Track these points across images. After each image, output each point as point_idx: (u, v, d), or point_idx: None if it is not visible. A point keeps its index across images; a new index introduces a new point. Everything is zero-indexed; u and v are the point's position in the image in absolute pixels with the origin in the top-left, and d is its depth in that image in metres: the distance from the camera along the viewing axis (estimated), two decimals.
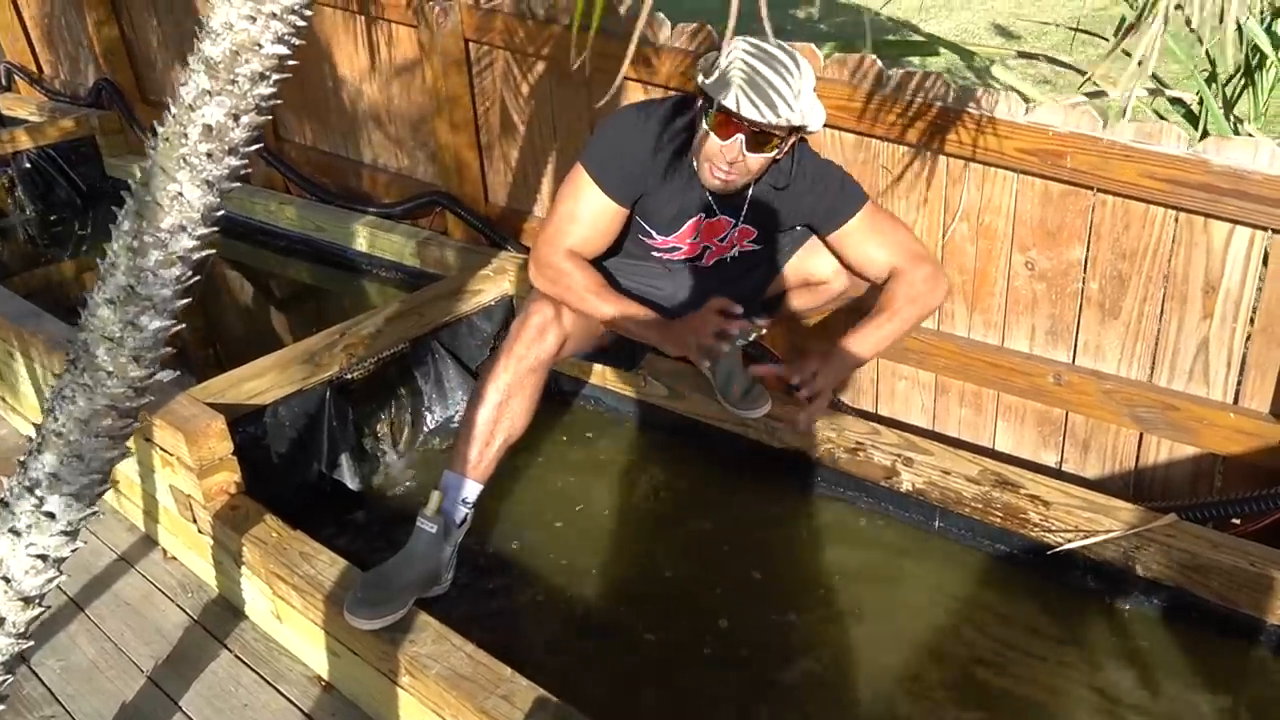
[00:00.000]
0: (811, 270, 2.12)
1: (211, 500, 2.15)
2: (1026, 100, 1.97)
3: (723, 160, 1.80)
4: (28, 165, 4.54)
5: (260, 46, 1.22)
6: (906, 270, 1.94)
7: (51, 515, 1.32)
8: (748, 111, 1.71)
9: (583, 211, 1.93)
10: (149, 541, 2.50)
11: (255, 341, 3.08)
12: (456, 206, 3.15)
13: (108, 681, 2.07)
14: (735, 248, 2.08)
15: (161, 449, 2.20)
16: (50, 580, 1.37)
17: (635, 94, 2.62)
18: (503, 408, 1.96)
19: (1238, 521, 1.93)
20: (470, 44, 2.93)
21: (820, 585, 2.09)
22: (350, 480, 2.48)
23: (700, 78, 1.79)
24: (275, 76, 1.27)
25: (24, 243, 4.45)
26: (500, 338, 2.81)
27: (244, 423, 2.29)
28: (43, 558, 1.34)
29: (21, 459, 1.33)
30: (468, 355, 2.77)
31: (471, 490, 1.98)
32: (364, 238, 3.36)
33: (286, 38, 1.24)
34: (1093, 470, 2.18)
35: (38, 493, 1.31)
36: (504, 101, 2.99)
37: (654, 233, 2.01)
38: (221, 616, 2.23)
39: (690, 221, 1.98)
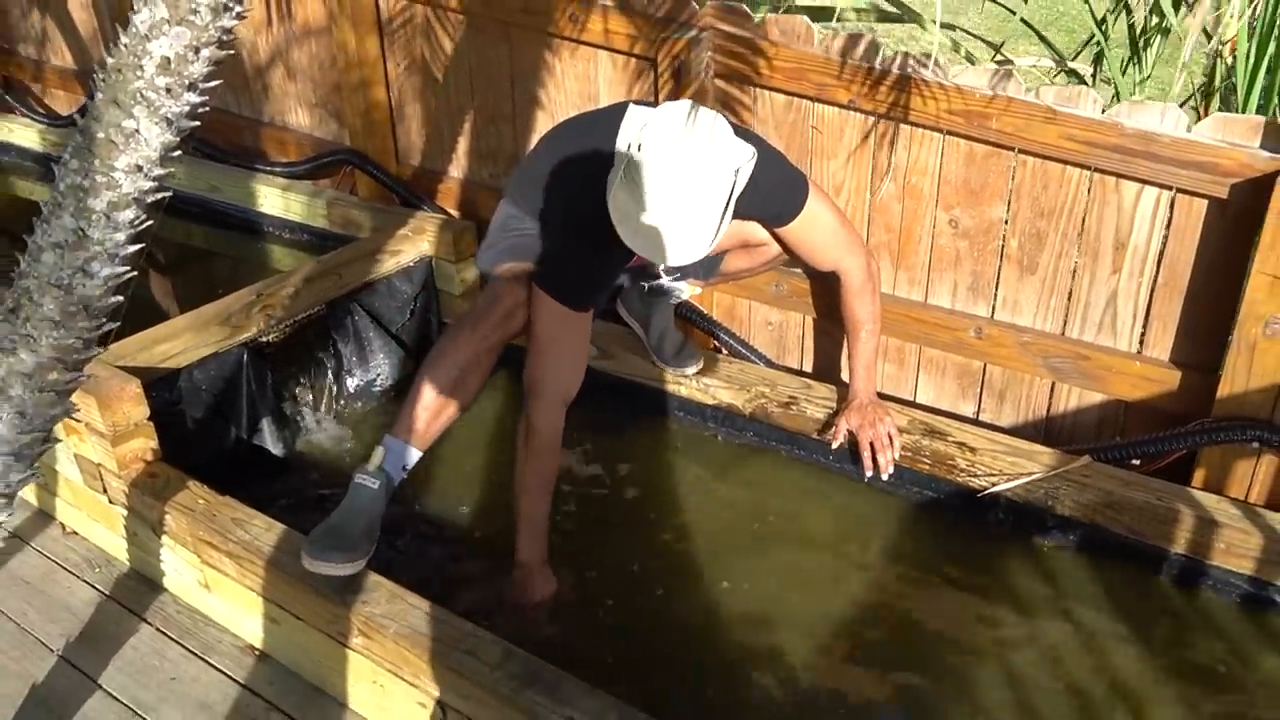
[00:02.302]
0: (750, 233, 2.16)
1: (126, 469, 2.04)
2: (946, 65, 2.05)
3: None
4: None
5: None
6: (844, 266, 2.08)
7: None
8: (651, 258, 1.74)
9: (573, 334, 1.93)
10: (44, 516, 2.35)
11: (157, 309, 2.91)
12: (367, 165, 3.04)
13: (12, 662, 1.94)
14: None
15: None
16: None
17: (563, 52, 2.59)
18: (457, 384, 1.94)
19: (1137, 463, 2.09)
20: None
21: (751, 535, 2.15)
22: (272, 445, 2.39)
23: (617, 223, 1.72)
24: (238, 8, 1.19)
25: None
26: (420, 300, 2.75)
27: (158, 387, 2.17)
28: None
29: None
30: (388, 317, 2.69)
31: (412, 457, 1.95)
32: (266, 198, 3.21)
33: None
34: (1007, 419, 2.31)
35: None
36: (418, 57, 2.90)
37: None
38: (137, 591, 2.12)
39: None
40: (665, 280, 2.30)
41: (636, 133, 1.67)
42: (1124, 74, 2.65)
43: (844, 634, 1.92)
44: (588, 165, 1.80)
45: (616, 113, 1.85)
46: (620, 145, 1.72)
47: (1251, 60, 2.21)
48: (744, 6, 2.24)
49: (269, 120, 3.44)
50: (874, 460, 2.11)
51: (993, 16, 3.03)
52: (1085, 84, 2.79)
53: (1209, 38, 2.59)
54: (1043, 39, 2.75)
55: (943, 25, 2.81)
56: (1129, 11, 2.69)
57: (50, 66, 4.13)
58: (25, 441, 1.25)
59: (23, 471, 1.26)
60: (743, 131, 1.89)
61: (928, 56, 2.05)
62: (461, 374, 1.92)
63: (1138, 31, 2.69)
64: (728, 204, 1.68)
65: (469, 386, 1.94)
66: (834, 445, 2.16)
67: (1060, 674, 1.80)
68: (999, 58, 2.71)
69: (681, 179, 1.63)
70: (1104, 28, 2.72)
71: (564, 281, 1.88)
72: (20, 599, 2.10)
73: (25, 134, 4.06)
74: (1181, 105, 2.12)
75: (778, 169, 1.96)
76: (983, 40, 2.88)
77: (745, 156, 1.72)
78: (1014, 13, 2.60)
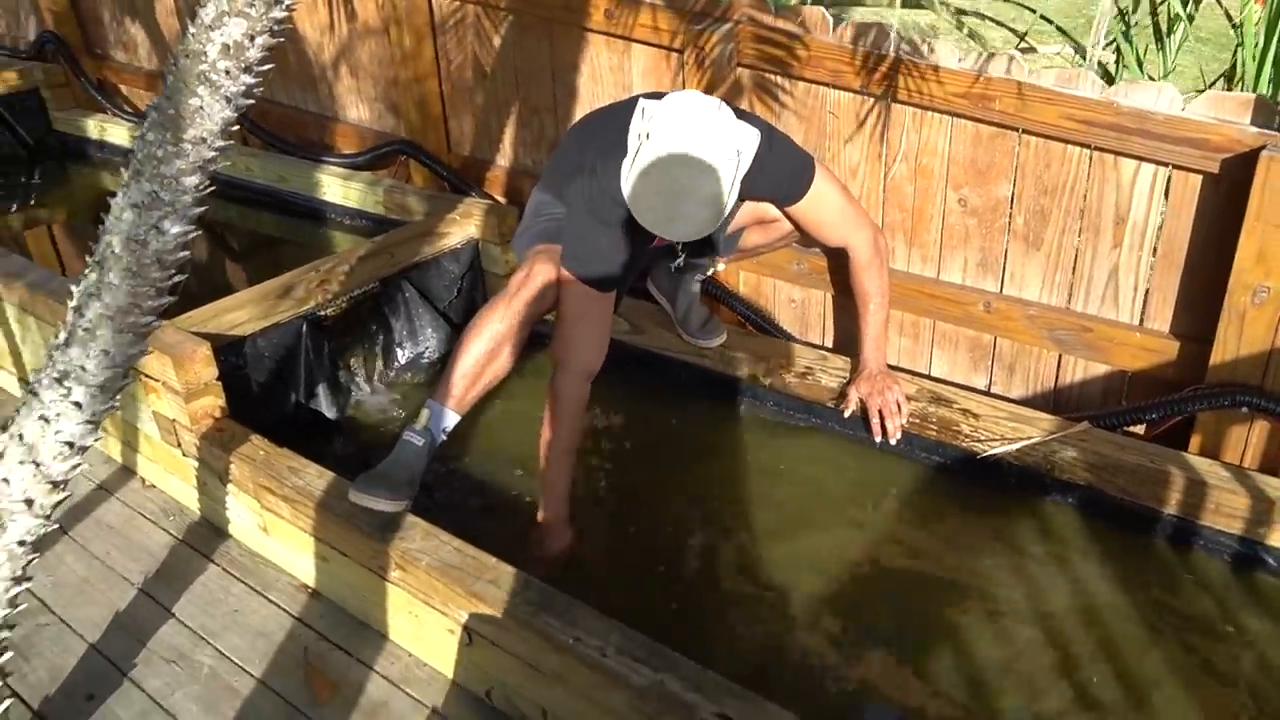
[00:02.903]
0: (765, 210, 2.29)
1: (197, 423, 2.25)
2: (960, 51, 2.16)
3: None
4: None
5: None
6: (852, 242, 2.20)
7: (78, 405, 1.43)
8: (664, 234, 1.88)
9: (595, 312, 2.08)
10: (127, 471, 2.59)
11: (229, 288, 3.15)
12: (421, 155, 3.25)
13: (99, 593, 2.17)
14: None
15: (147, 375, 2.29)
16: (74, 467, 1.48)
17: (600, 47, 2.76)
18: (493, 354, 2.10)
19: (1141, 430, 2.17)
20: None
21: (771, 499, 2.28)
22: (327, 409, 2.60)
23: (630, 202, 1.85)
24: (287, 0, 1.38)
25: None
26: (467, 280, 2.94)
27: (226, 352, 2.39)
28: (69, 444, 1.45)
29: (50, 352, 1.44)
30: (436, 295, 2.89)
31: (451, 420, 2.12)
32: (329, 187, 3.45)
33: None
34: (1018, 391, 2.40)
35: (66, 384, 1.42)
36: (468, 54, 3.10)
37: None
38: (205, 536, 2.34)
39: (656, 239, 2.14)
40: (688, 258, 2.45)
41: (644, 124, 1.82)
42: (1141, 63, 2.71)
43: (856, 589, 2.03)
44: (607, 155, 1.95)
45: (630, 106, 2.00)
46: (631, 136, 1.87)
47: (1259, 44, 2.26)
48: (766, 1, 2.38)
49: (333, 115, 3.68)
50: (883, 427, 2.23)
51: (1020, 5, 3.11)
52: (1109, 73, 2.86)
53: (1235, 27, 2.64)
54: (1060, 30, 2.83)
55: (965, 12, 2.91)
56: (1153, 1, 2.75)
57: (138, 69, 4.46)
58: (109, 376, 1.45)
59: (105, 402, 1.47)
60: (749, 117, 2.04)
61: (933, 43, 2.16)
62: (497, 345, 2.09)
63: (1160, 20, 2.75)
64: (732, 182, 1.82)
65: (503, 357, 2.11)
66: (846, 413, 2.28)
67: (1051, 625, 1.90)
68: (1022, 45, 2.79)
69: (685, 160, 1.78)
70: (1127, 17, 2.79)
71: (588, 264, 2.04)
72: (106, 541, 2.34)
73: (116, 131, 4.40)
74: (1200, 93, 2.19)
75: (785, 151, 2.09)
76: (1007, 28, 2.96)
77: (748, 139, 1.86)
78: (1034, 11, 2.69)
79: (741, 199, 2.08)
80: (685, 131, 1.78)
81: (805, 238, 2.30)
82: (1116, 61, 2.77)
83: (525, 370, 2.72)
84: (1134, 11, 2.74)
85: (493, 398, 2.25)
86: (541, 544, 2.12)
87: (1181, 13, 2.64)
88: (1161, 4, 2.70)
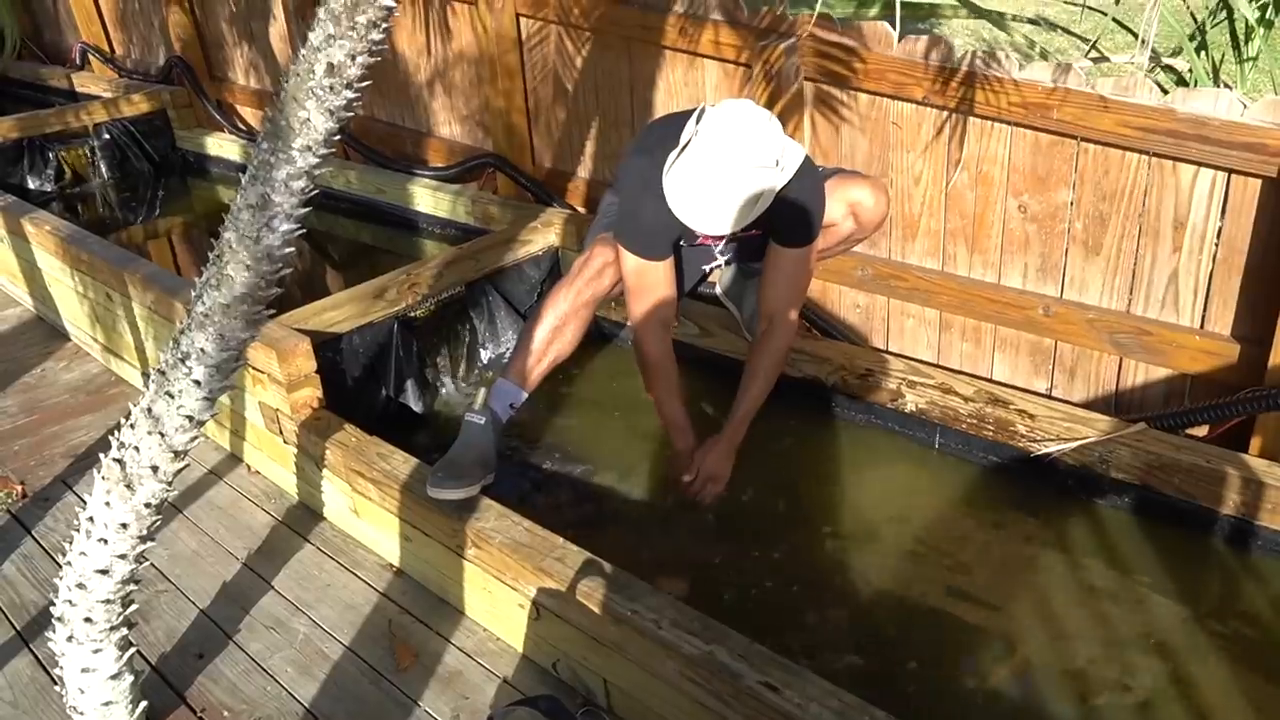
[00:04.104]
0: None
1: (297, 412, 2.46)
2: (1021, 61, 2.23)
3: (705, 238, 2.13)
4: (106, 137, 4.89)
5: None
6: (781, 317, 2.23)
7: (198, 383, 1.62)
8: (708, 229, 1.99)
9: (651, 280, 2.18)
10: (234, 459, 2.83)
11: (328, 290, 3.39)
12: (507, 167, 3.44)
13: (209, 566, 2.39)
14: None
15: (253, 368, 2.51)
16: (194, 438, 1.67)
17: (676, 63, 2.90)
18: (557, 331, 2.26)
19: (1203, 433, 2.18)
20: (522, 19, 3.23)
21: (833, 498, 2.36)
22: (414, 404, 2.79)
23: (665, 182, 1.99)
24: (384, 25, 1.55)
25: (103, 207, 4.81)
26: (547, 285, 3.10)
27: (324, 348, 2.59)
28: (189, 418, 1.64)
29: (174, 337, 1.64)
30: (517, 299, 3.06)
31: (519, 396, 2.28)
32: (421, 198, 3.67)
33: None
34: (1079, 394, 2.43)
35: (188, 363, 1.61)
36: (551, 71, 3.28)
37: (683, 242, 2.30)
38: (303, 518, 2.55)
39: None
40: (750, 263, 2.55)
41: (701, 121, 1.95)
42: (1216, 73, 2.70)
43: (915, 585, 2.09)
44: (665, 141, 2.08)
45: (691, 111, 2.11)
46: (686, 129, 2.00)
47: None
48: (831, 15, 2.48)
49: (426, 130, 3.91)
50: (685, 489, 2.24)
51: (1091, 14, 3.12)
52: (1184, 81, 2.86)
53: None
54: (1134, 35, 2.85)
55: (1033, 21, 2.95)
56: (1229, 8, 2.74)
57: (254, 90, 4.80)
58: (224, 357, 1.64)
59: (220, 381, 1.66)
60: (814, 165, 2.12)
61: (993, 54, 2.22)
62: (560, 323, 2.24)
63: (1239, 27, 2.74)
64: (764, 189, 1.92)
65: (566, 334, 2.26)
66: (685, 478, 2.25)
67: (1103, 621, 1.93)
68: (1093, 54, 2.81)
69: (724, 155, 1.90)
70: (1203, 24, 2.78)
71: (636, 235, 2.15)
72: (215, 520, 2.57)
73: (231, 147, 4.74)
74: None
75: (816, 198, 2.12)
76: (1077, 36, 2.99)
77: (792, 154, 1.97)
78: (1104, 13, 2.70)
79: (766, 215, 2.06)
80: (732, 130, 1.91)
81: (862, 221, 2.26)
82: (1189, 71, 2.77)
83: (595, 368, 2.88)
84: (1212, 20, 2.74)
85: (568, 392, 2.38)
86: (682, 468, 2.26)
87: (1252, 21, 2.63)
88: (1237, 17, 2.69)
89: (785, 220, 2.12)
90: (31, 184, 4.77)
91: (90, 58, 5.61)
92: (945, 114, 2.37)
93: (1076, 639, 1.90)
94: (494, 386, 2.26)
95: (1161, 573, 2.02)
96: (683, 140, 1.98)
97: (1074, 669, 1.84)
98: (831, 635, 1.97)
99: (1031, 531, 2.17)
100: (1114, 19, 2.52)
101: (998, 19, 2.66)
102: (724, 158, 1.91)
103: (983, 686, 1.82)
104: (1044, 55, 2.74)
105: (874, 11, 2.90)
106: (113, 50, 5.64)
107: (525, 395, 2.27)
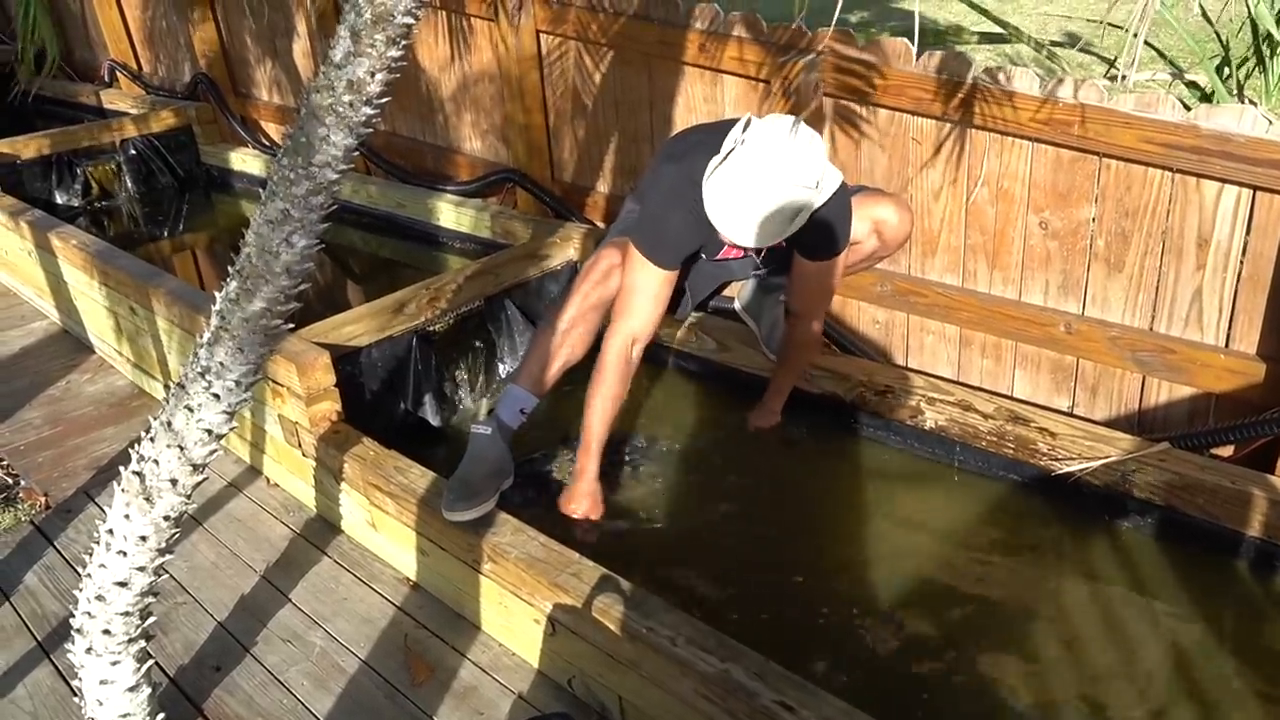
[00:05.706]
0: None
1: (316, 425, 2.47)
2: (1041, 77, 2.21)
3: (737, 251, 2.15)
4: (133, 152, 4.96)
5: (393, 17, 1.52)
6: (808, 317, 2.34)
7: (217, 397, 1.64)
8: (742, 241, 1.98)
9: (646, 283, 2.18)
10: (254, 471, 2.85)
11: (348, 304, 3.42)
12: (527, 182, 3.46)
13: (227, 578, 2.40)
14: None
15: (273, 381, 2.53)
16: (212, 452, 1.68)
17: (694, 79, 2.91)
18: (566, 335, 2.26)
19: (1228, 453, 2.15)
20: (542, 35, 3.25)
21: (851, 514, 2.34)
22: (432, 418, 2.80)
23: (705, 188, 1.98)
24: (404, 41, 1.57)
25: (129, 222, 4.87)
26: None
27: (343, 361, 2.60)
28: (209, 431, 1.65)
29: (194, 351, 1.65)
30: (536, 314, 3.06)
31: (529, 401, 2.28)
32: (442, 213, 3.69)
33: (413, 10, 1.54)
34: (1101, 412, 2.41)
35: (208, 378, 1.63)
36: (571, 87, 3.29)
37: (704, 255, 2.32)
38: (321, 531, 2.56)
39: (726, 247, 2.25)
40: (770, 275, 2.55)
41: (746, 132, 1.95)
42: (1241, 90, 2.68)
43: (932, 603, 2.06)
44: (699, 149, 2.06)
45: (730, 122, 2.10)
46: (729, 138, 1.98)
47: None
48: (851, 31, 2.48)
49: (446, 145, 3.94)
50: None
51: (1115, 33, 3.10)
52: (1207, 98, 2.83)
53: None
54: (1161, 55, 2.83)
55: (1058, 44, 2.94)
56: (1254, 25, 2.72)
57: (277, 106, 4.86)
58: (244, 371, 1.65)
59: (240, 395, 1.67)
60: (847, 187, 2.13)
61: (1013, 71, 2.21)
62: (569, 327, 2.24)
63: (1263, 42, 2.71)
64: (801, 207, 1.92)
65: (575, 338, 2.25)
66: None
67: (1127, 644, 1.90)
68: (1113, 72, 2.80)
69: (770, 168, 1.89)
70: (1226, 40, 2.76)
71: (652, 239, 2.14)
72: (234, 533, 2.58)
73: (254, 163, 4.80)
74: None
75: (845, 215, 2.13)
76: (1099, 56, 2.97)
77: (831, 176, 1.96)
78: (1123, 28, 2.68)
79: (796, 232, 2.07)
80: (781, 144, 1.90)
81: (886, 239, 2.28)
82: (1213, 90, 2.74)
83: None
84: (1236, 36, 2.71)
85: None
86: (570, 496, 2.25)
87: (1278, 37, 2.60)
88: (1261, 33, 2.67)
89: (814, 238, 2.12)
90: (59, 199, 4.85)
91: (119, 75, 5.70)
92: (965, 130, 2.36)
93: (1098, 663, 1.88)
94: (503, 394, 2.27)
95: (1185, 596, 1.99)
96: (725, 148, 1.97)
97: (1094, 695, 1.81)
98: (846, 654, 1.95)
99: (1051, 551, 2.14)
100: (1138, 36, 2.49)
101: (1017, 34, 2.65)
102: (770, 171, 1.90)
103: (1000, 707, 1.80)
104: (1066, 70, 2.73)
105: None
106: (140, 67, 5.72)
107: (536, 400, 2.27)
